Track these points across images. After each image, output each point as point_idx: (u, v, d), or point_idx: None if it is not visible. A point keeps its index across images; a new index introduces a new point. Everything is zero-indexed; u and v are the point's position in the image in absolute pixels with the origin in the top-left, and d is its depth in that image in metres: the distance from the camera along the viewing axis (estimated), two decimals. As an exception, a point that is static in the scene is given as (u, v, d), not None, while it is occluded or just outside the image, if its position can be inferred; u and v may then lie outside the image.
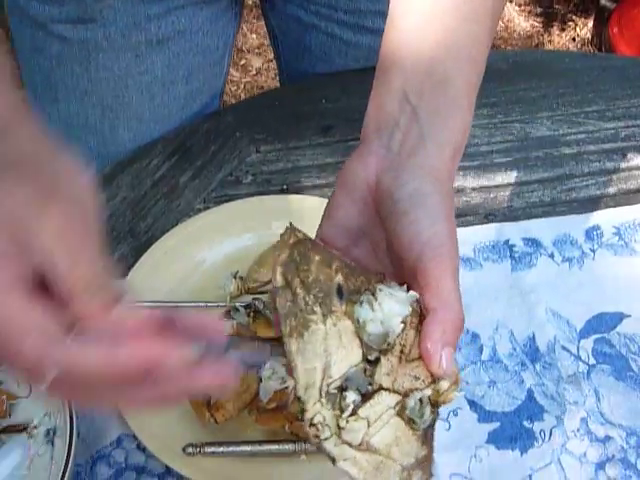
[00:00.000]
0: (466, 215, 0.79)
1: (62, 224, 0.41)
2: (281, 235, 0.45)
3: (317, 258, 0.45)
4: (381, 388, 0.45)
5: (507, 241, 0.76)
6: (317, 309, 0.43)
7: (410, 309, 0.45)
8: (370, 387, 0.45)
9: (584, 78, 0.92)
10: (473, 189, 0.81)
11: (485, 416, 0.65)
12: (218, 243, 0.73)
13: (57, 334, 0.39)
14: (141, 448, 0.63)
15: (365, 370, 0.45)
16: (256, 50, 2.40)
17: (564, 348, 0.69)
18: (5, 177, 0.42)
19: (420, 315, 0.45)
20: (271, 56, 2.40)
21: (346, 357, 0.44)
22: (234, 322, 0.66)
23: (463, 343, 0.69)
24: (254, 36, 2.43)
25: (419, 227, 0.45)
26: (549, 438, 0.64)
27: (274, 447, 0.61)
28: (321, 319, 0.43)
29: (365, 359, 0.45)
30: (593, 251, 0.76)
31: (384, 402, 0.45)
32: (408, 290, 0.46)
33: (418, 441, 0.46)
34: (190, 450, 0.60)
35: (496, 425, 0.65)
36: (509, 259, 0.75)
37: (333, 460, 0.44)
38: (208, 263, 0.73)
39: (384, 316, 0.45)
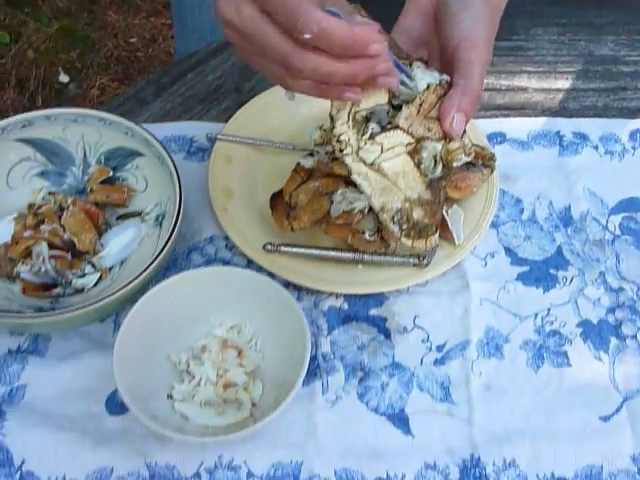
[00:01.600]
0: (525, 109, 0.89)
1: None
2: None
3: None
4: (397, 127, 0.58)
5: (558, 132, 0.86)
6: None
7: (438, 82, 0.58)
8: (389, 125, 0.58)
9: (652, 12, 1.01)
10: (535, 89, 0.91)
11: (517, 261, 0.76)
12: (307, 102, 0.85)
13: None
14: (228, 247, 0.76)
15: (388, 112, 0.59)
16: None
17: (594, 219, 0.79)
18: None
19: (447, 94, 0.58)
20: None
21: (374, 96, 0.57)
22: (316, 159, 0.78)
23: (507, 205, 0.80)
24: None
25: (462, 24, 0.59)
26: (569, 283, 0.75)
27: (337, 254, 0.74)
28: None
29: (390, 104, 0.59)
30: (634, 149, 0.85)
31: (398, 137, 0.58)
32: None
33: (423, 184, 0.60)
34: (269, 247, 0.73)
35: (526, 268, 0.76)
36: (557, 146, 0.85)
37: (349, 172, 0.58)
38: (299, 117, 0.85)
39: (415, 83, 0.57)
